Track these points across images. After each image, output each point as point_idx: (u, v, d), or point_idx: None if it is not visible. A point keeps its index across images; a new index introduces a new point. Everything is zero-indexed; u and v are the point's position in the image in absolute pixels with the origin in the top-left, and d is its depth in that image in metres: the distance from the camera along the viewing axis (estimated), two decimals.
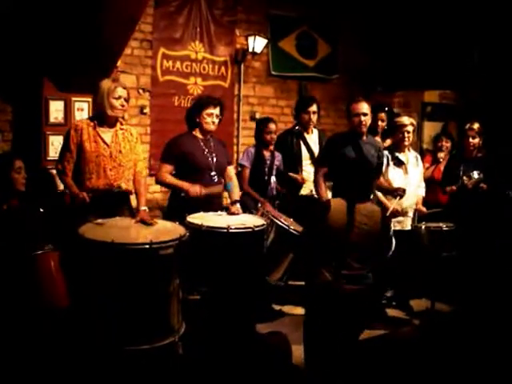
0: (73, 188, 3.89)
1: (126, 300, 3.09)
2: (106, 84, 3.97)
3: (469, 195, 5.07)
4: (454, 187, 5.16)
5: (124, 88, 4.01)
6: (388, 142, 5.54)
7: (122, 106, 3.98)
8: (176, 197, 4.36)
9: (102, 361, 3.12)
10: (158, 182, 4.45)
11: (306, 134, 5.40)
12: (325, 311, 3.34)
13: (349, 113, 4.56)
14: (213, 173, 4.34)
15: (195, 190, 4.20)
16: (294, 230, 4.26)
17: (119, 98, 3.95)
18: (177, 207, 4.29)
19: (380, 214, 3.47)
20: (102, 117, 3.99)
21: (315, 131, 5.49)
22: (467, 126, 5.30)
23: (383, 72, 8.06)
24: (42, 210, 4.04)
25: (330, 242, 3.31)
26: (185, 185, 4.24)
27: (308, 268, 3.45)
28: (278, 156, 5.32)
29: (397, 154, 5.08)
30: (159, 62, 6.64)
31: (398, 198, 4.68)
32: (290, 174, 5.27)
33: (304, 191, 5.25)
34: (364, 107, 4.49)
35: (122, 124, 4.09)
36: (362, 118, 4.46)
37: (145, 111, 6.57)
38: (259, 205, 4.72)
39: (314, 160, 5.14)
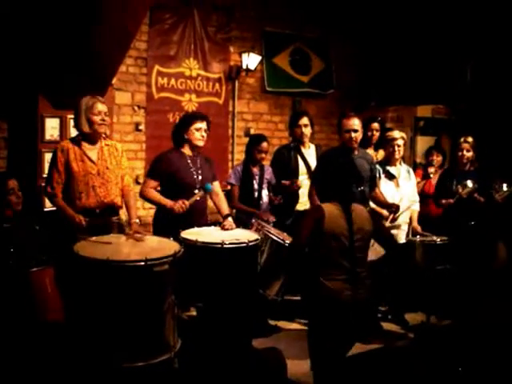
0: (67, 210, 3.86)
1: (121, 317, 3.09)
2: (84, 101, 3.96)
3: (463, 207, 5.09)
4: (450, 200, 5.16)
5: (103, 103, 4.01)
6: (381, 152, 5.58)
7: (103, 120, 3.97)
8: (160, 215, 4.34)
9: (96, 378, 3.11)
10: (142, 196, 4.35)
11: (302, 149, 5.41)
12: (331, 321, 3.35)
13: (340, 128, 4.66)
14: (196, 191, 4.29)
15: (179, 207, 4.11)
16: (288, 243, 4.25)
17: (99, 113, 3.95)
18: (165, 222, 4.25)
19: (369, 213, 3.49)
20: (84, 135, 3.99)
21: (312, 146, 5.49)
22: (461, 139, 5.31)
23: (376, 87, 8.13)
24: (37, 227, 4.04)
25: (331, 249, 3.32)
26: (167, 203, 4.16)
27: (309, 278, 3.44)
28: (268, 169, 5.31)
29: (388, 168, 5.13)
30: (154, 79, 6.70)
31: (393, 214, 4.73)
32: (283, 181, 5.26)
33: (301, 207, 5.24)
34: (355, 124, 4.60)
35: (105, 139, 4.10)
36: (353, 134, 4.60)
37: (140, 128, 6.62)
38: (253, 220, 4.70)
39: (311, 174, 5.16)
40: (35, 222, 4.05)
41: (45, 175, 5.29)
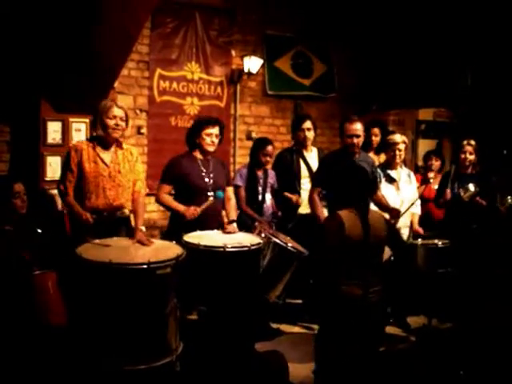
0: (76, 207, 3.87)
1: (124, 320, 3.10)
2: (101, 104, 3.99)
3: (465, 210, 5.09)
4: (447, 192, 5.16)
5: (120, 108, 4.00)
6: (383, 156, 5.59)
7: (117, 125, 3.95)
8: (176, 217, 4.37)
9: (98, 380, 3.12)
10: (158, 202, 4.47)
11: (304, 152, 5.41)
12: (345, 324, 3.38)
13: (342, 132, 4.66)
14: (209, 193, 4.35)
15: (191, 213, 4.18)
16: (291, 247, 4.26)
17: (114, 117, 3.94)
18: (176, 227, 4.29)
19: (383, 219, 3.55)
20: (99, 137, 4.00)
21: (314, 149, 5.50)
22: (464, 142, 5.31)
23: (378, 91, 8.14)
24: (40, 231, 4.05)
25: (347, 254, 3.36)
26: (180, 208, 4.24)
27: (325, 282, 3.48)
28: (272, 173, 5.32)
29: (388, 172, 5.14)
30: (156, 83, 6.71)
31: (393, 221, 4.72)
32: (286, 193, 5.28)
33: (303, 210, 5.24)
34: (357, 129, 4.61)
35: (121, 144, 4.09)
36: (355, 140, 4.62)
37: (142, 131, 6.63)
38: (256, 223, 4.73)
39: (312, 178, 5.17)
40: (38, 225, 4.07)
41: (47, 178, 5.36)
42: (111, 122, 3.94)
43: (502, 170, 6.07)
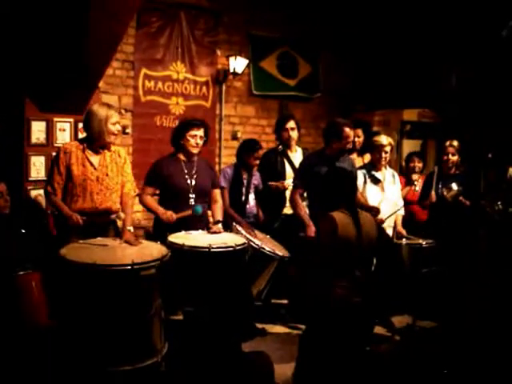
0: (64, 209, 3.88)
1: (108, 321, 3.09)
2: (102, 110, 3.99)
3: (448, 209, 5.13)
4: (432, 194, 5.19)
5: (116, 111, 4.08)
6: (367, 157, 5.61)
7: (119, 130, 4.07)
8: (158, 219, 4.39)
9: (83, 382, 3.11)
10: (141, 202, 4.51)
11: (289, 153, 5.43)
12: (338, 325, 3.38)
13: (339, 135, 4.58)
14: (191, 195, 4.36)
15: (167, 217, 4.25)
16: (268, 251, 4.22)
17: (116, 123, 4.01)
18: (160, 228, 4.31)
19: (373, 219, 3.57)
20: (94, 141, 4.01)
21: (299, 150, 5.52)
22: (447, 143, 5.36)
23: (363, 91, 8.17)
24: (23, 231, 4.02)
25: (343, 256, 3.36)
26: (158, 210, 4.33)
27: (317, 283, 3.48)
28: (256, 175, 5.32)
29: (373, 172, 5.17)
30: (141, 83, 6.67)
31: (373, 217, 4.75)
32: (271, 183, 5.27)
33: (288, 210, 5.24)
34: (352, 134, 4.64)
35: (110, 146, 4.10)
36: (351, 144, 4.64)
37: (127, 131, 6.59)
38: (234, 224, 4.70)
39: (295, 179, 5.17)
40: (22, 226, 4.04)
41: (31, 178, 5.31)
42: (114, 128, 4.01)
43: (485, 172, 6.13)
